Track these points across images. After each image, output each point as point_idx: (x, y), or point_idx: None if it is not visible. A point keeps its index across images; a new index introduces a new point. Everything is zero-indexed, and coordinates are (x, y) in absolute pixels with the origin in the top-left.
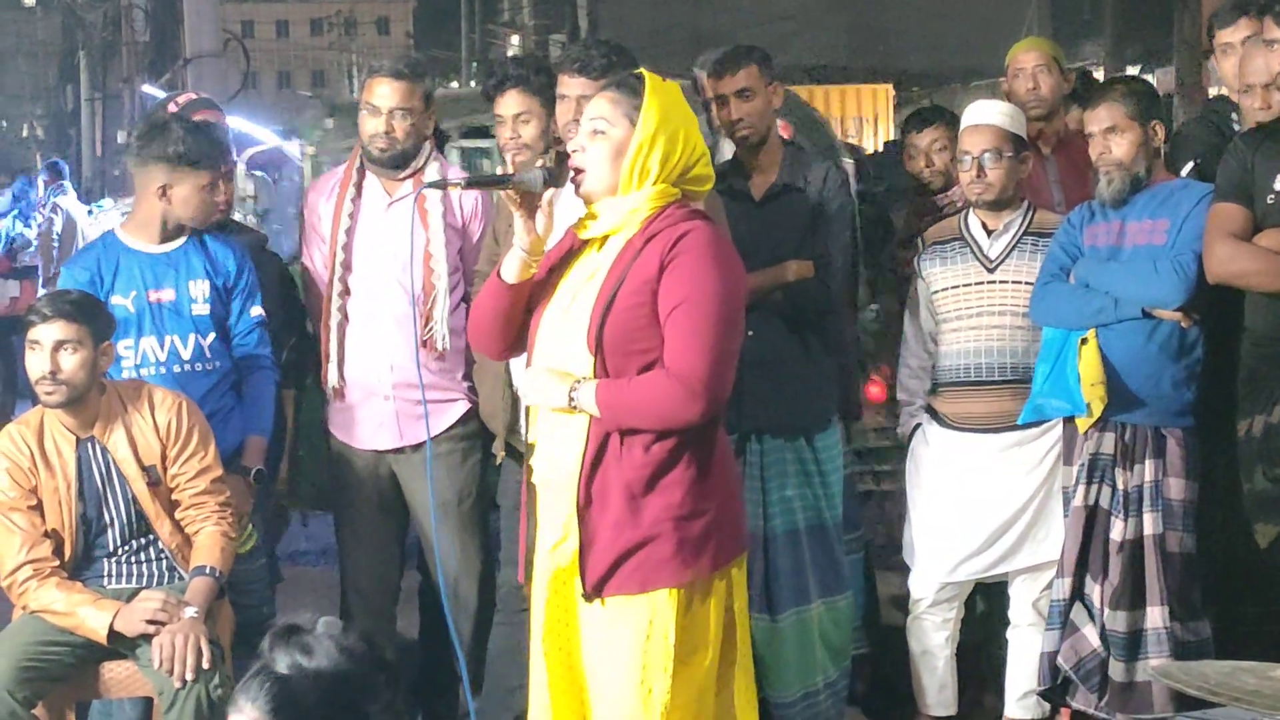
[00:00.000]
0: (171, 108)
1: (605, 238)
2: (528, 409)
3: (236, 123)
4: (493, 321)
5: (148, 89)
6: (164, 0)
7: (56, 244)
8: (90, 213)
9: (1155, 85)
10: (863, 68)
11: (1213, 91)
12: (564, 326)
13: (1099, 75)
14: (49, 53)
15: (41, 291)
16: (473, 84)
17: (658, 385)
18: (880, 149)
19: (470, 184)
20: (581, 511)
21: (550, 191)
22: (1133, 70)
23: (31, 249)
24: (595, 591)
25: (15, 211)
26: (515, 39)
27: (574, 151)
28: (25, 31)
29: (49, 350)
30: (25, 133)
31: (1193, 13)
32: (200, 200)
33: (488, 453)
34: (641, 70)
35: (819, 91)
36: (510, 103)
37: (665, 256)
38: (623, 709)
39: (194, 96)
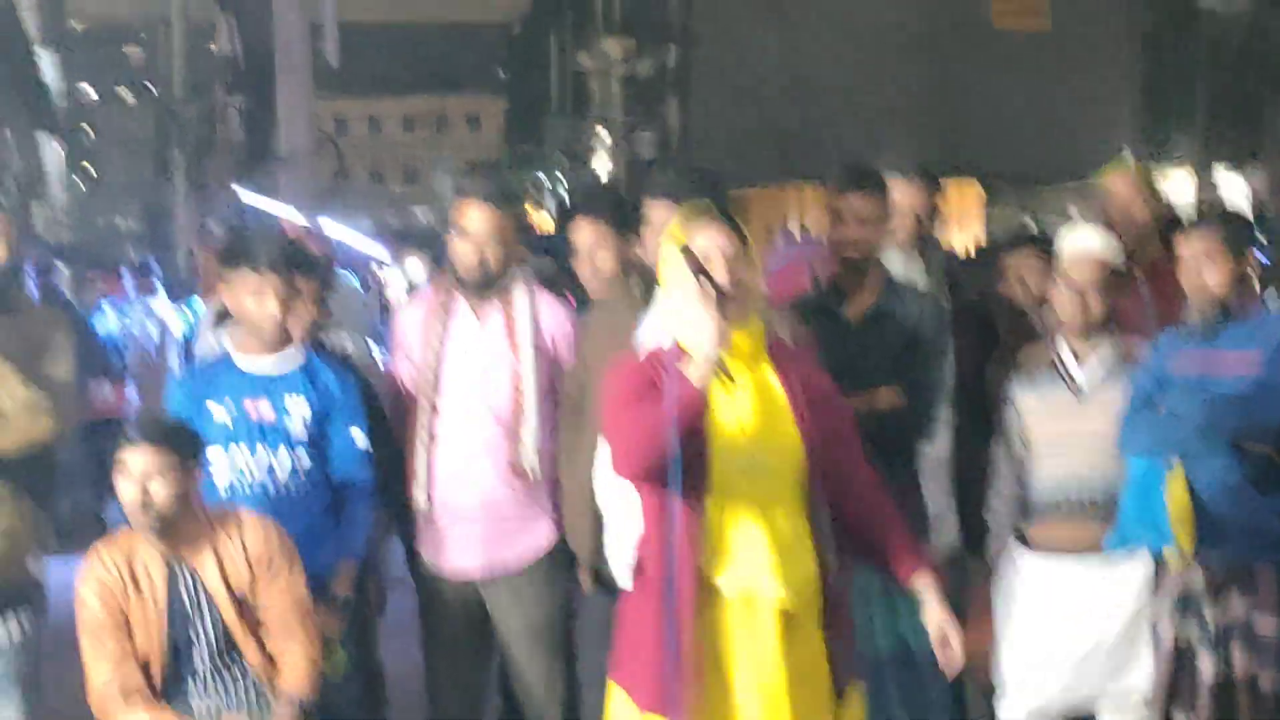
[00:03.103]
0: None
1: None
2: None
3: (328, 225)
4: (665, 439)
5: (240, 190)
6: (259, 99)
7: (150, 346)
8: (180, 312)
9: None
10: (950, 165)
11: None
12: (761, 449)
13: (1189, 172)
14: (145, 147)
15: (130, 391)
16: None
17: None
18: (971, 252)
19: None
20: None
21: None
22: (1222, 167)
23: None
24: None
25: (119, 313)
26: (605, 135)
27: (728, 282)
28: (122, 126)
29: (138, 477)
30: (120, 225)
31: None
32: (282, 309)
33: (573, 577)
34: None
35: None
36: (583, 233)
37: (820, 377)
38: None
39: (301, 227)
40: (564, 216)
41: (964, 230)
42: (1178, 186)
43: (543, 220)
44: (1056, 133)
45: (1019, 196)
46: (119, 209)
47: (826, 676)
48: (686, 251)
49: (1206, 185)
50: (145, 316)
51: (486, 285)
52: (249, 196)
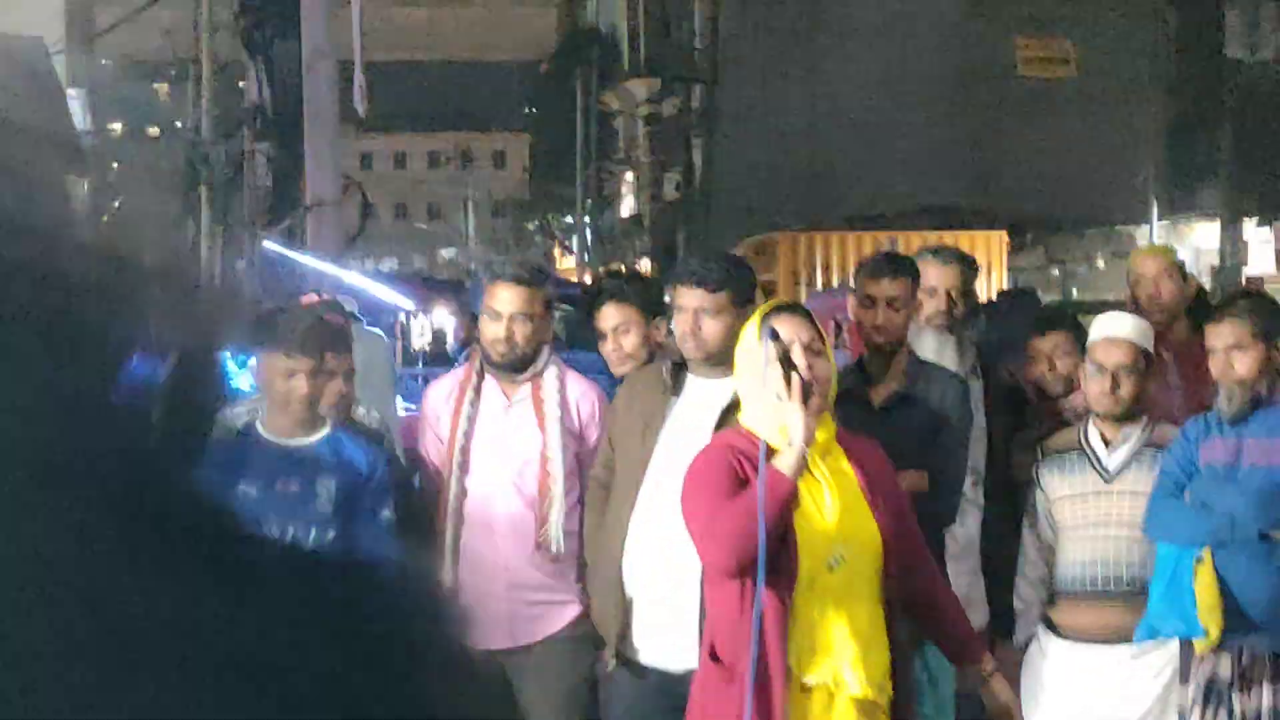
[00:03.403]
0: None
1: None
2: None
3: (349, 275)
4: (770, 526)
5: (268, 245)
6: (285, 146)
7: None
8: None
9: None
10: (975, 211)
11: None
12: (843, 541)
13: (1215, 225)
14: (171, 185)
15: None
16: (586, 219)
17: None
18: (994, 299)
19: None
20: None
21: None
22: (1249, 222)
23: None
24: None
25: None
26: (630, 175)
27: (808, 370)
28: (148, 160)
29: None
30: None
31: None
32: (314, 390)
33: (597, 655)
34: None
35: (931, 238)
36: (608, 316)
37: (888, 468)
38: None
39: (321, 300)
40: (593, 304)
41: (988, 278)
42: (1204, 240)
43: (566, 262)
44: (1081, 180)
45: (1043, 243)
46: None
47: None
48: (779, 346)
49: (1233, 240)
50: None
51: (516, 366)
52: (275, 246)
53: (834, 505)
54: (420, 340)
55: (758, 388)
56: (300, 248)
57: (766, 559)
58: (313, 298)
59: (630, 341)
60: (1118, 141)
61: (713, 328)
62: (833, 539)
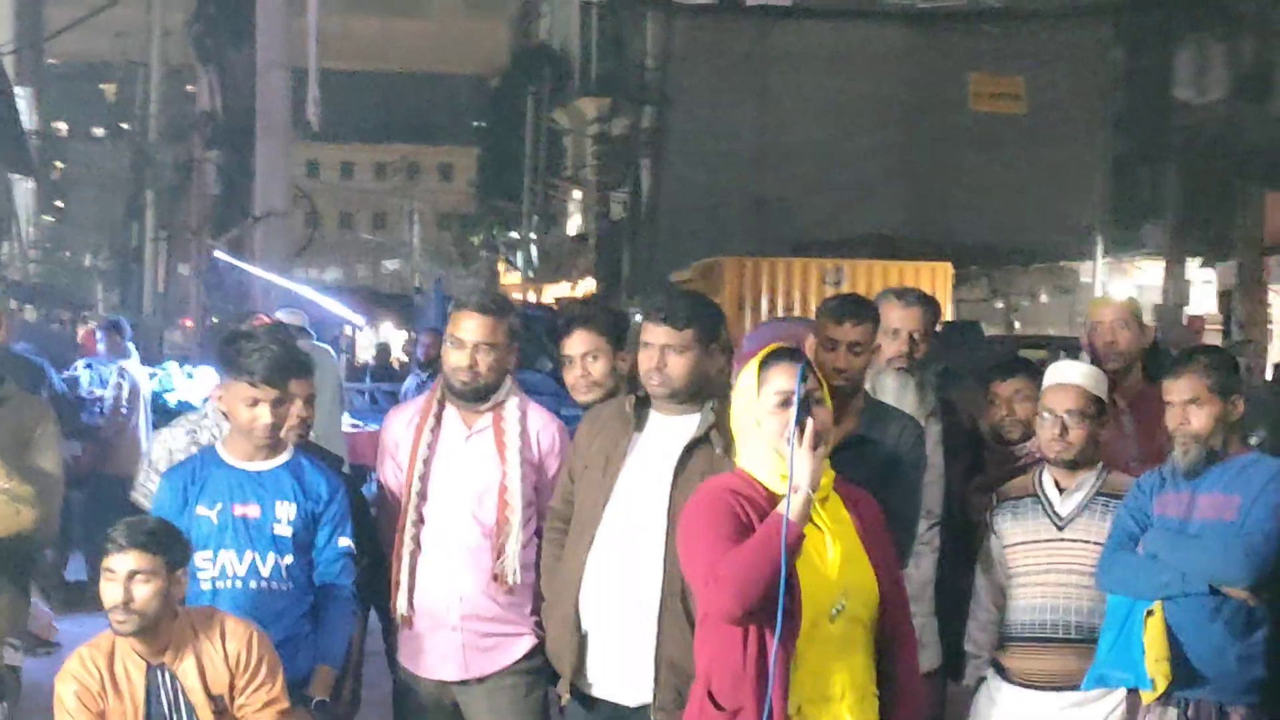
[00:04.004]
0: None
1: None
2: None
3: (300, 289)
4: (774, 580)
5: (219, 254)
6: (236, 155)
7: (124, 408)
8: (152, 375)
9: (1216, 280)
10: (921, 242)
11: (1273, 289)
12: (843, 589)
13: (1159, 264)
14: (117, 187)
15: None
16: (532, 235)
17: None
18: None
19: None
20: None
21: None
22: (1192, 262)
23: (100, 409)
24: None
25: (88, 367)
26: (577, 193)
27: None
28: (94, 162)
29: (122, 579)
30: (88, 263)
31: (1255, 209)
32: (278, 419)
33: (551, 687)
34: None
35: (877, 267)
36: (578, 342)
37: (880, 520)
38: None
39: (270, 321)
40: (563, 330)
41: None
42: (1147, 278)
43: (510, 278)
44: (1027, 215)
45: (988, 276)
46: (89, 246)
47: None
48: (782, 394)
49: (1176, 279)
50: (117, 375)
51: (478, 396)
52: (225, 257)
53: (835, 553)
54: (365, 354)
55: (754, 430)
56: (248, 258)
57: (771, 607)
58: (264, 320)
59: (598, 369)
60: (1064, 178)
61: (678, 365)
62: (834, 587)
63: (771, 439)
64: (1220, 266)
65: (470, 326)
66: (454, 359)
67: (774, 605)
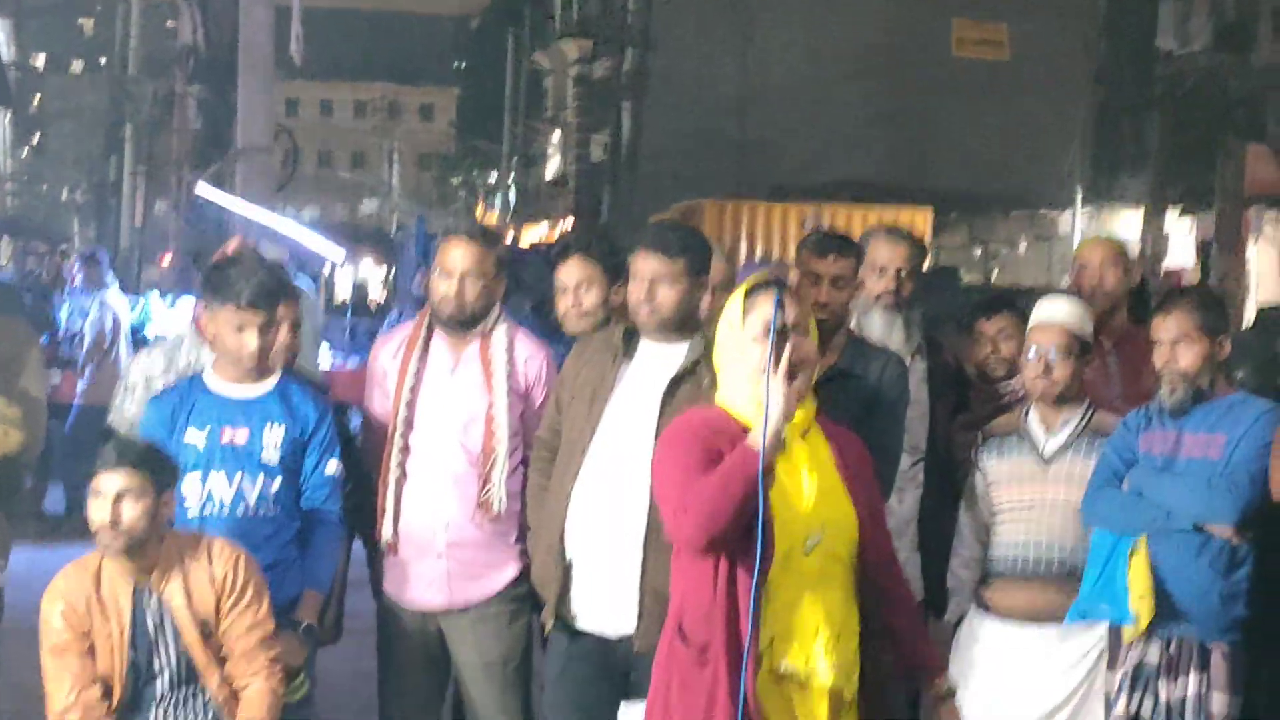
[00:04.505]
0: (218, 256)
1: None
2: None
3: (281, 222)
4: (741, 510)
5: (202, 187)
6: (217, 90)
7: (108, 340)
8: (133, 306)
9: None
10: (901, 188)
11: (1251, 241)
12: (820, 523)
13: (1139, 214)
14: (95, 120)
15: (81, 385)
16: (512, 177)
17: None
18: None
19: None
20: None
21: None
22: (1173, 212)
23: (79, 340)
24: None
25: (68, 302)
26: (557, 135)
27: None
28: (71, 96)
29: (110, 499)
30: (65, 197)
31: (1236, 160)
32: (266, 344)
33: (535, 615)
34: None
35: (857, 212)
36: (572, 270)
37: (867, 462)
38: None
39: (247, 244)
40: (558, 257)
41: None
42: (1126, 229)
43: (489, 219)
44: (1008, 162)
45: (968, 223)
46: (66, 181)
47: None
48: (780, 316)
49: (1155, 230)
50: (98, 308)
51: (465, 324)
52: (205, 190)
53: (812, 486)
54: (344, 293)
55: (738, 363)
56: (229, 193)
57: (739, 539)
58: (239, 241)
59: (590, 299)
60: (1046, 126)
61: (668, 295)
62: (810, 521)
63: (753, 370)
64: (1200, 217)
65: (459, 255)
66: (442, 287)
67: (742, 537)
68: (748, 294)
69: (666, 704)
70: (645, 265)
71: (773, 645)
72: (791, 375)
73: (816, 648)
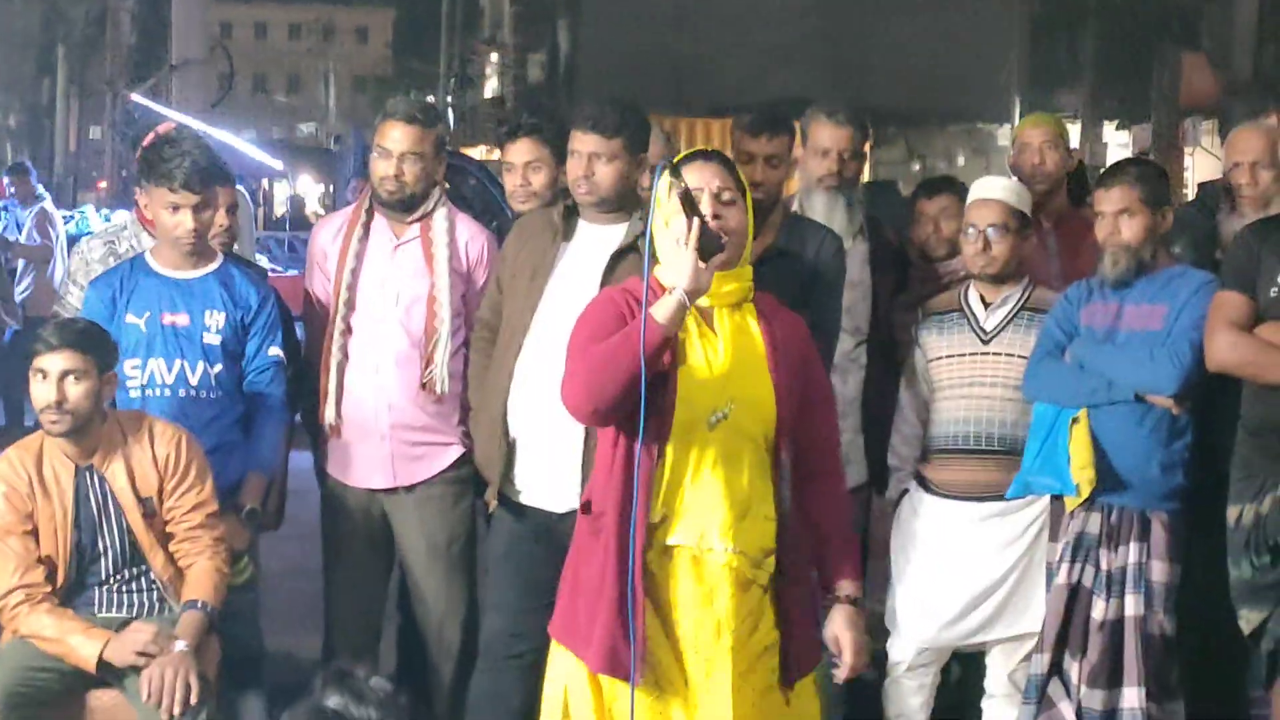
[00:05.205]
0: (151, 138)
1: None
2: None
3: (219, 134)
4: (629, 381)
5: (137, 98)
6: (151, 4)
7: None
8: (68, 219)
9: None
10: (840, 103)
11: (1188, 150)
12: (731, 399)
13: (1076, 127)
14: (27, 42)
15: (18, 292)
16: (449, 98)
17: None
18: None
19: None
20: (781, 591)
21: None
22: (1110, 125)
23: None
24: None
25: (2, 216)
26: (494, 56)
27: (715, 217)
28: (1, 19)
29: (55, 379)
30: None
31: (1171, 70)
32: (201, 225)
33: (478, 497)
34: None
35: (796, 125)
36: (522, 150)
37: (806, 347)
38: None
39: (174, 127)
40: (508, 136)
41: None
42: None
43: None
44: (944, 76)
45: (905, 137)
46: None
47: (775, 655)
48: (680, 188)
49: (1092, 141)
50: (33, 218)
51: (406, 206)
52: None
53: (725, 360)
54: (282, 208)
55: (664, 234)
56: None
57: (631, 410)
58: (170, 126)
59: (539, 180)
60: (982, 39)
61: (606, 173)
62: (717, 394)
63: (674, 242)
64: (1136, 129)
65: (397, 136)
66: (381, 168)
67: (635, 408)
68: (677, 164)
69: (575, 573)
70: (583, 143)
71: (666, 520)
72: (716, 248)
73: (712, 526)
